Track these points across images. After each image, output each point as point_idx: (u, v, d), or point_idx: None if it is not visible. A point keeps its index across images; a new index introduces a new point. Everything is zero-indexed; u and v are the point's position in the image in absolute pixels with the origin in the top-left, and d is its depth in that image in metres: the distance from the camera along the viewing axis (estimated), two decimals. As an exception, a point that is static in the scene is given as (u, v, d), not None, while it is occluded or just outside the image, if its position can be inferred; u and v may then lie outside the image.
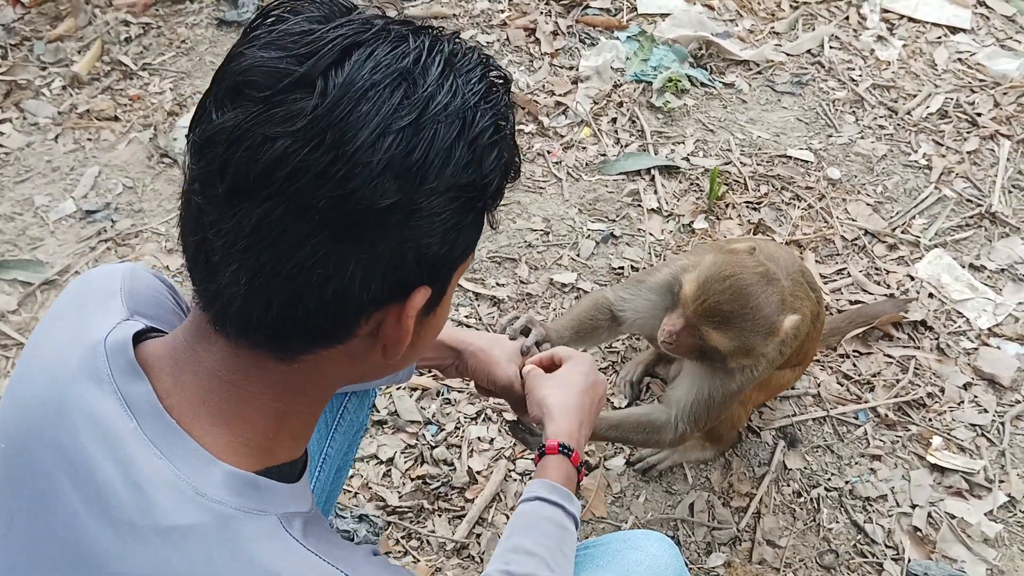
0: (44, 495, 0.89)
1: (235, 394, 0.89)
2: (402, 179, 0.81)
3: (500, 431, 2.27)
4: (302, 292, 0.83)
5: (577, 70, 3.14)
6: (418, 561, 2.05)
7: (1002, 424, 2.33)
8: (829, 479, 2.23)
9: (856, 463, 2.26)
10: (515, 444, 2.24)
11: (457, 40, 0.89)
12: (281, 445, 0.94)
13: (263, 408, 0.91)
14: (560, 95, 3.07)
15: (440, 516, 2.13)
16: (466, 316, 2.47)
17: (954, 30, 3.37)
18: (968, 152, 2.96)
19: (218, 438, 0.89)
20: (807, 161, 2.92)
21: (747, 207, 2.77)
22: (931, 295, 2.59)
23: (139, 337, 0.94)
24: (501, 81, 0.90)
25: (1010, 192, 2.87)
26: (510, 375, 1.54)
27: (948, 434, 2.31)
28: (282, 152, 0.79)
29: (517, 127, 0.95)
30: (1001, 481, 2.23)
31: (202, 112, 0.85)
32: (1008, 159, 2.94)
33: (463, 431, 2.26)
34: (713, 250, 1.92)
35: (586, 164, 2.88)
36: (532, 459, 2.18)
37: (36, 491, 0.90)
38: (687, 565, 1.67)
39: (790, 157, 2.93)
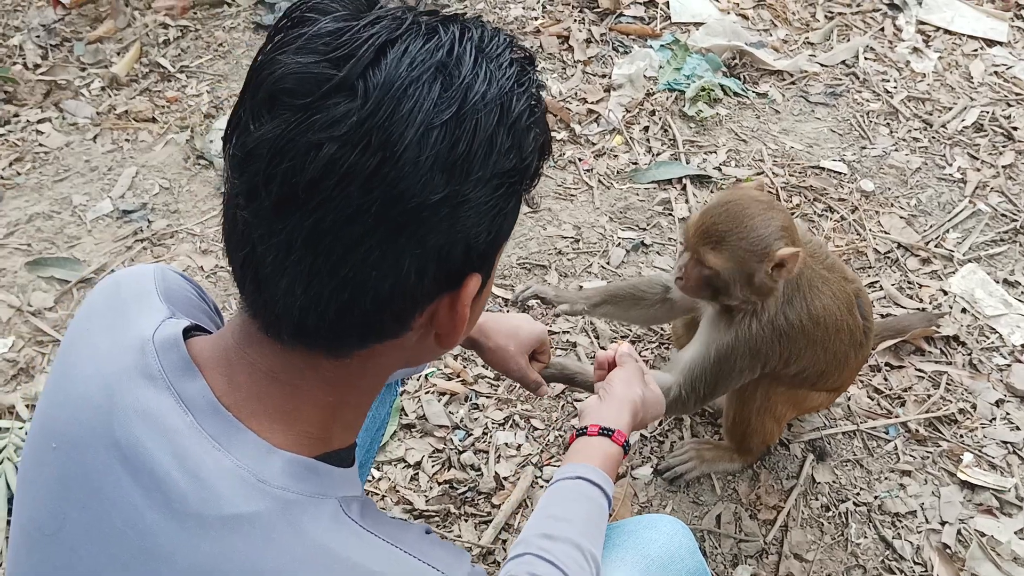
0: (101, 492, 0.89)
1: (291, 392, 0.91)
2: (449, 172, 0.81)
3: (527, 437, 2.27)
4: (359, 294, 0.83)
5: (610, 78, 3.15)
6: (444, 565, 2.06)
7: (1035, 442, 2.31)
8: (858, 493, 2.21)
9: (886, 478, 2.24)
10: (542, 451, 2.25)
11: (482, 24, 0.89)
12: (336, 435, 0.95)
13: (318, 403, 0.92)
14: (592, 103, 3.07)
15: (467, 521, 2.13)
16: (495, 322, 2.48)
17: (990, 43, 3.34)
18: (1003, 166, 2.94)
19: (276, 433, 0.90)
20: (840, 173, 2.90)
21: (748, 183, 2.76)
22: (964, 310, 2.56)
23: (185, 334, 0.95)
24: (527, 61, 0.90)
25: (1046, 207, 2.84)
26: (521, 366, 1.65)
27: (979, 451, 2.28)
28: (329, 159, 0.78)
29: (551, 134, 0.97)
30: (1033, 500, 2.21)
31: (237, 123, 0.84)
32: (1044, 174, 2.91)
33: (491, 436, 2.27)
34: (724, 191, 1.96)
35: (617, 172, 2.88)
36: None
37: (92, 489, 0.90)
38: (714, 577, 1.67)
39: (823, 168, 2.91)
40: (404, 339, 0.91)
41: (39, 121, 2.94)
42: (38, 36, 3.16)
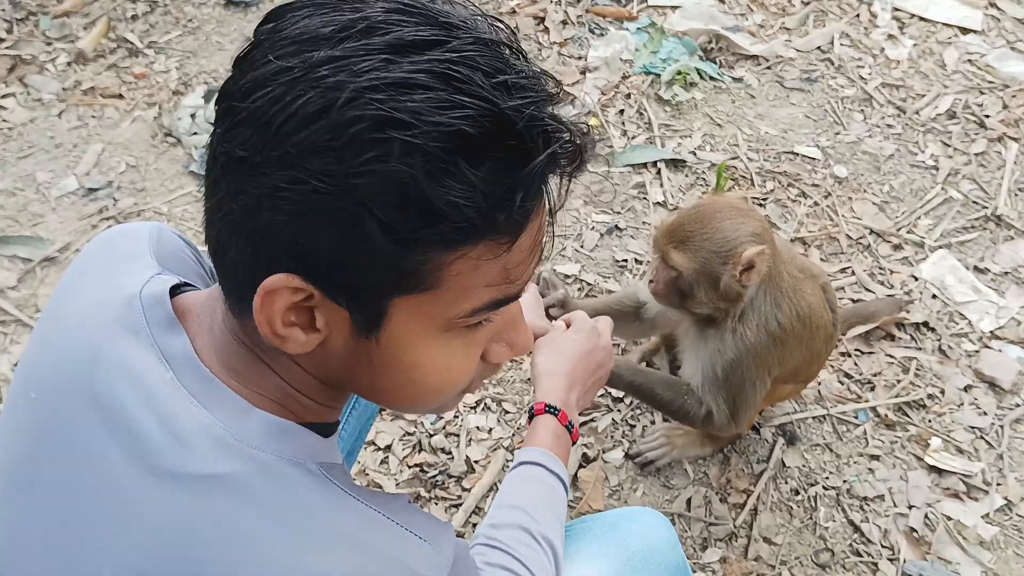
0: (77, 445, 0.88)
1: (248, 352, 0.89)
2: (258, 130, 0.76)
3: (499, 421, 2.26)
4: (231, 264, 0.83)
5: (586, 60, 3.12)
6: (414, 548, 2.05)
7: (1001, 427, 2.33)
8: (827, 478, 2.23)
9: (855, 462, 2.26)
10: (513, 434, 2.24)
11: (467, 49, 0.77)
12: (302, 411, 0.92)
13: (265, 375, 0.90)
14: (568, 85, 3.05)
15: (437, 504, 2.12)
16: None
17: (965, 31, 3.35)
18: (975, 154, 2.95)
19: (250, 393, 0.88)
20: (814, 158, 2.91)
21: (753, 203, 2.76)
22: (934, 296, 2.58)
23: (173, 292, 0.94)
24: (477, 104, 0.75)
25: (1016, 195, 2.86)
26: (547, 328, 1.56)
27: (947, 436, 2.30)
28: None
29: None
30: (999, 484, 2.23)
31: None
32: (1015, 162, 2.93)
33: (462, 420, 2.26)
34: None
35: (593, 155, 2.86)
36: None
37: (68, 441, 0.88)
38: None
39: (797, 154, 2.91)
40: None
41: (3, 96, 2.87)
42: (3, 9, 3.08)
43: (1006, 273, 2.65)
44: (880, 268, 2.65)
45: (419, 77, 0.74)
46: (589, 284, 2.53)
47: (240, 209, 0.78)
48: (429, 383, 0.90)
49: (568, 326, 1.55)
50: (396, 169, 0.73)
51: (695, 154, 2.89)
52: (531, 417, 1.40)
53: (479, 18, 0.83)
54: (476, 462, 2.19)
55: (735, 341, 1.85)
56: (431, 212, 0.75)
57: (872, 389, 2.39)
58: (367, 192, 0.74)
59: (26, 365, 0.98)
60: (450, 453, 2.20)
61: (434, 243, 0.77)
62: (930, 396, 2.38)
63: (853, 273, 2.63)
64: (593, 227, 2.67)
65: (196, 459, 0.83)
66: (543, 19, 3.23)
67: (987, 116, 3.05)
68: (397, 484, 2.14)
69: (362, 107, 0.73)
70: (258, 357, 0.89)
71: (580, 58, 3.14)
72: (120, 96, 2.91)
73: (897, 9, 3.40)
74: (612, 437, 2.26)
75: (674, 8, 3.32)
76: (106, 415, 0.87)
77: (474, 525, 2.09)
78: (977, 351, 2.47)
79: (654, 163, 2.85)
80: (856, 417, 2.34)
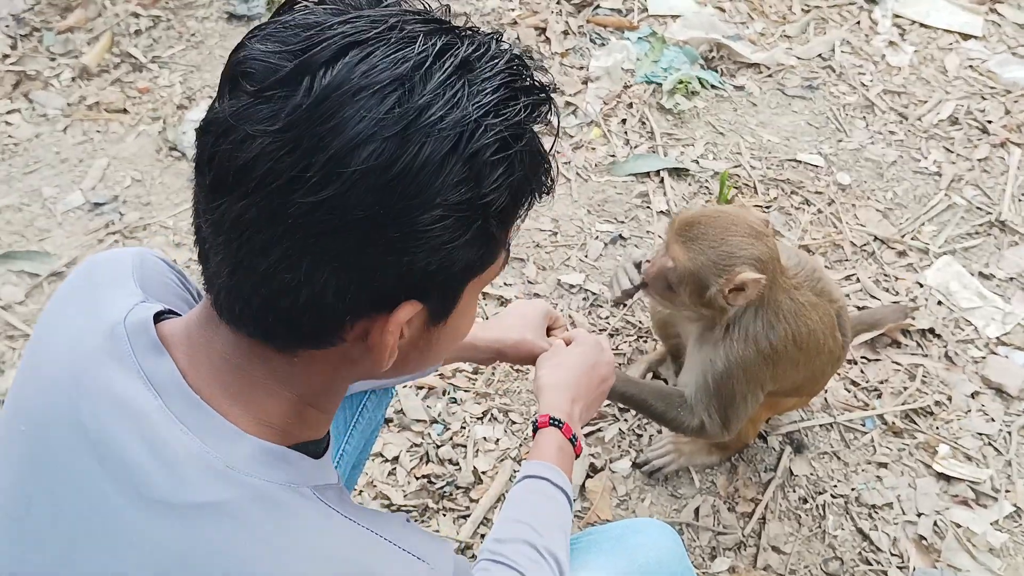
0: (68, 476, 0.88)
1: (245, 378, 0.88)
2: (380, 192, 0.76)
3: (506, 431, 2.26)
4: (276, 293, 0.81)
5: (587, 70, 3.13)
6: (422, 560, 2.05)
7: (1009, 433, 2.32)
8: (835, 486, 2.22)
9: (862, 470, 2.25)
10: (520, 445, 2.24)
11: (487, 43, 0.84)
12: (302, 430, 0.93)
13: (274, 395, 0.89)
14: (570, 95, 3.06)
15: (445, 516, 2.12)
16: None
17: (965, 37, 3.35)
18: (978, 160, 2.96)
19: (240, 416, 0.88)
20: (817, 166, 2.91)
21: (756, 210, 2.76)
22: (940, 303, 2.58)
23: (156, 318, 0.94)
24: (530, 90, 0.84)
25: (1020, 200, 2.86)
26: (545, 348, 1.58)
27: (955, 443, 2.30)
28: (259, 151, 0.77)
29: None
30: (1007, 491, 2.22)
31: (213, 99, 0.85)
32: (1018, 167, 2.93)
33: (469, 431, 2.26)
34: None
35: (595, 165, 2.87)
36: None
37: (59, 472, 0.88)
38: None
39: (800, 161, 2.92)
40: (344, 350, 0.87)
41: (8, 112, 2.88)
42: (7, 26, 3.09)
43: (1011, 279, 2.65)
44: (885, 275, 2.65)
45: (502, 91, 0.82)
46: (594, 294, 2.53)
47: (348, 258, 0.79)
48: (456, 341, 0.97)
49: (568, 344, 1.56)
50: (520, 176, 0.84)
51: (698, 163, 2.89)
52: (535, 430, 1.40)
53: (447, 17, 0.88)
54: (484, 473, 2.19)
55: (725, 352, 1.86)
56: (530, 200, 0.88)
57: (879, 396, 2.39)
58: (498, 203, 0.83)
59: (14, 397, 0.97)
60: (457, 464, 2.20)
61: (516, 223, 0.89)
62: (937, 403, 2.38)
63: (858, 280, 2.63)
64: (597, 236, 2.68)
65: (188, 488, 0.84)
66: (544, 30, 3.24)
67: (989, 122, 3.06)
68: (405, 495, 2.14)
69: (483, 135, 0.80)
70: (252, 381, 0.89)
71: (582, 68, 3.14)
72: (125, 111, 2.92)
73: (897, 16, 3.41)
74: (619, 447, 2.26)
75: (675, 17, 3.33)
76: (96, 446, 0.87)
77: (482, 536, 2.09)
78: (984, 357, 2.47)
79: (657, 172, 2.85)
80: (863, 425, 2.34)
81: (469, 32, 0.84)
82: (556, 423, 1.39)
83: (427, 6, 0.87)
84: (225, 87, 0.81)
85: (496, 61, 0.83)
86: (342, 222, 0.77)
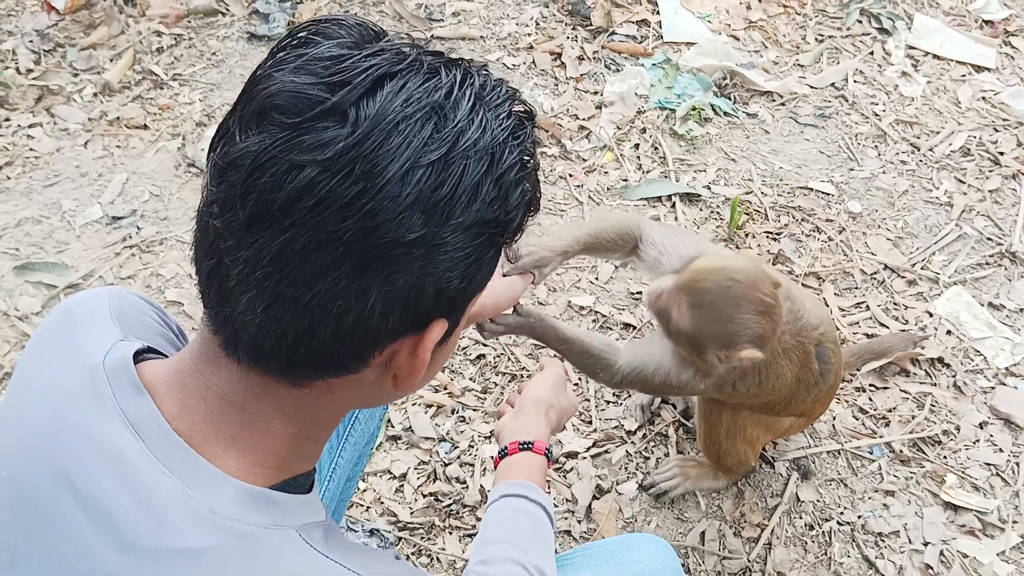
0: (50, 523, 0.87)
1: (246, 419, 0.88)
2: (429, 213, 0.80)
3: (513, 451, 2.27)
4: (319, 323, 0.81)
5: (601, 95, 3.17)
6: (427, 578, 2.05)
7: (1017, 464, 2.32)
8: (842, 513, 2.22)
9: (869, 498, 2.25)
10: (528, 465, 2.24)
11: (486, 73, 0.89)
12: (294, 465, 0.93)
13: (275, 432, 0.90)
14: (584, 119, 3.09)
15: (451, 534, 2.13)
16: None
17: (978, 68, 3.38)
18: (990, 191, 2.97)
19: (230, 460, 0.88)
20: (828, 194, 2.93)
21: (767, 237, 2.78)
22: (949, 332, 2.58)
23: (136, 357, 0.93)
24: (526, 116, 0.90)
25: (1031, 232, 2.87)
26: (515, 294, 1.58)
27: (963, 472, 2.30)
28: (309, 181, 0.77)
29: (540, 150, 0.96)
30: (1015, 521, 2.22)
31: (225, 133, 0.83)
32: (1030, 199, 2.94)
33: (476, 450, 2.27)
34: (751, 260, 1.93)
35: (607, 188, 2.90)
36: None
37: (41, 519, 0.88)
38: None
39: (811, 189, 2.94)
40: (362, 376, 0.88)
41: (30, 126, 2.94)
42: (31, 41, 3.15)
43: (1021, 310, 2.65)
44: (895, 303, 2.66)
45: (513, 117, 0.87)
46: (604, 316, 2.55)
47: (396, 279, 0.81)
48: (447, 359, 1.02)
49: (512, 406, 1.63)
50: (531, 194, 0.91)
51: (709, 188, 2.91)
52: (503, 456, 1.45)
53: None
54: (490, 492, 2.19)
55: (689, 378, 1.86)
56: (532, 217, 0.94)
57: (887, 424, 2.39)
58: (519, 218, 0.90)
59: None
60: (465, 483, 2.21)
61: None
62: (945, 432, 2.38)
63: (868, 308, 2.64)
64: (608, 259, 2.69)
65: (172, 533, 0.84)
66: (559, 55, 3.28)
67: (1001, 153, 3.07)
68: (412, 513, 2.15)
69: (509, 156, 0.85)
70: (253, 421, 0.89)
71: (596, 93, 3.18)
72: (145, 127, 2.97)
73: (911, 47, 3.44)
74: (626, 469, 2.26)
75: (689, 45, 3.36)
76: (78, 492, 0.86)
77: (488, 555, 2.09)
78: (992, 387, 2.47)
79: (669, 197, 2.87)
80: (871, 452, 2.34)
81: (466, 63, 0.88)
82: (526, 446, 1.44)
83: (422, 42, 0.89)
84: (251, 121, 0.81)
85: (499, 89, 0.88)
86: (393, 245, 0.80)
